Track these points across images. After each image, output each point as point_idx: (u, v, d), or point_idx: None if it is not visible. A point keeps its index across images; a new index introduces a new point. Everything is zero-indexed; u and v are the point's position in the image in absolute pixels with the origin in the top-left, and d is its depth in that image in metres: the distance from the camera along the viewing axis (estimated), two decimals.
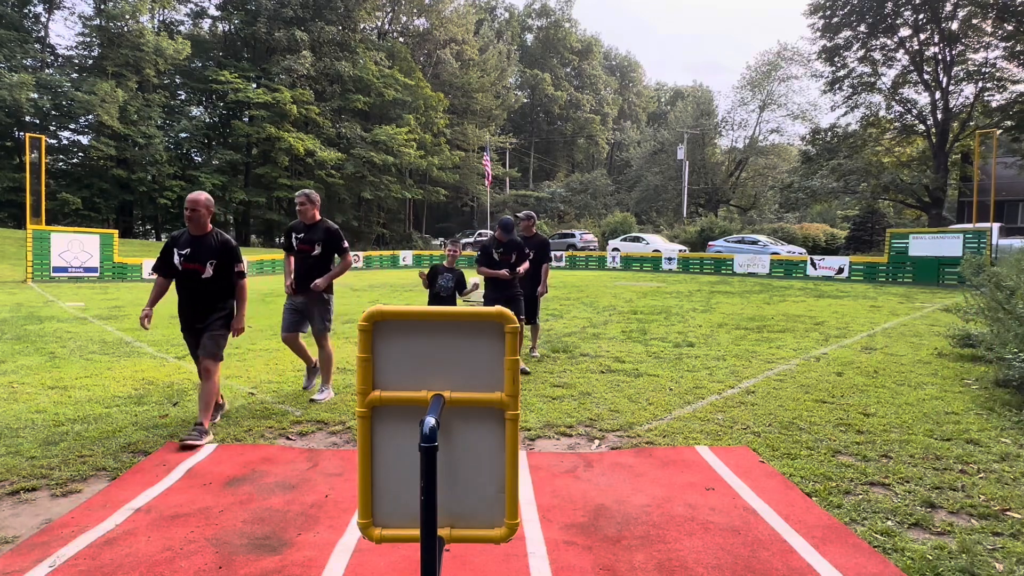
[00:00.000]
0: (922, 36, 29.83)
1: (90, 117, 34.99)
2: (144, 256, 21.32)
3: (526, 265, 6.18)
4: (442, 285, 5.94)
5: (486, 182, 41.00)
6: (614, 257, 27.07)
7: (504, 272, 5.99)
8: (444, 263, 6.07)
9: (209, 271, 4.11)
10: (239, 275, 4.24)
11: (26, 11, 36.86)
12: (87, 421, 4.37)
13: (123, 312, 10.68)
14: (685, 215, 41.37)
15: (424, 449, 1.60)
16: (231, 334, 4.25)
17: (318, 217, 5.11)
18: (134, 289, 15.77)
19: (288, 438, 4.16)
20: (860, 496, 3.21)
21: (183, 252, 4.11)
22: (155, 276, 4.29)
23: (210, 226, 4.21)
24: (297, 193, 5.14)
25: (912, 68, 30.53)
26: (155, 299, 4.18)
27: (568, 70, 65.28)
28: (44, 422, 4.33)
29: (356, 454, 1.89)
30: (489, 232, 39.30)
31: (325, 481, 3.39)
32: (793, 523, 2.90)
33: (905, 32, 30.39)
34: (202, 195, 4.17)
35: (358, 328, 1.82)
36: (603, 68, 69.11)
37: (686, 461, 3.71)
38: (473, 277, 6.24)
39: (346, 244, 5.17)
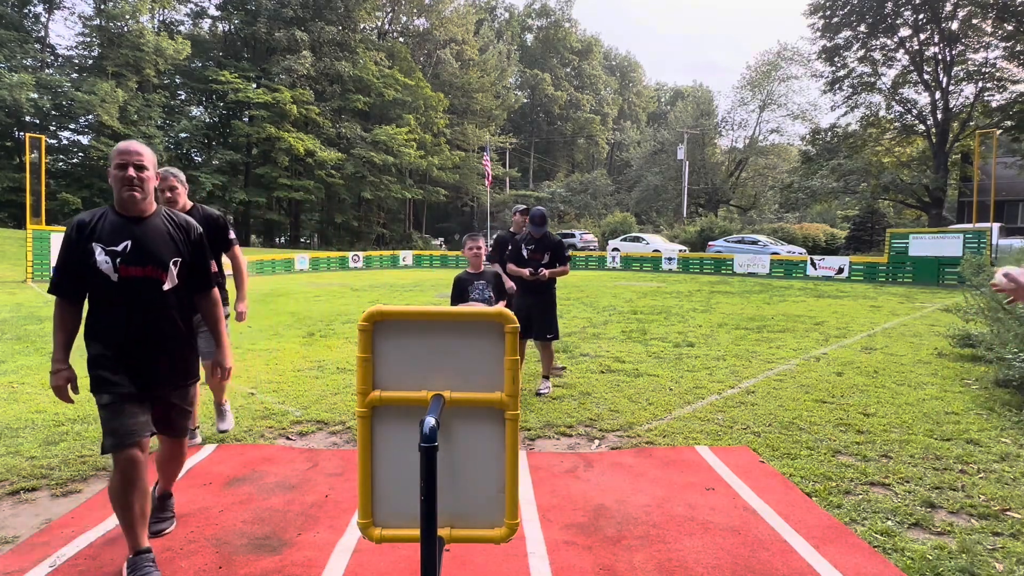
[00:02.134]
0: (922, 36, 29.87)
1: (90, 117, 35.04)
2: None
3: (563, 269, 5.35)
4: (477, 300, 4.25)
5: (486, 182, 41.00)
6: (614, 257, 27.07)
7: (527, 271, 5.19)
8: (468, 269, 4.46)
9: (172, 277, 2.44)
10: (215, 279, 2.68)
11: (26, 11, 36.91)
12: (87, 421, 4.37)
13: None
14: (685, 215, 41.38)
15: (424, 449, 1.60)
16: (207, 382, 2.54)
17: (189, 204, 3.60)
18: None
19: (288, 438, 4.16)
20: (860, 496, 3.21)
21: (116, 248, 2.34)
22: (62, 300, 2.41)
23: (155, 203, 2.51)
24: (160, 171, 3.18)
25: (912, 68, 30.57)
26: (68, 342, 2.43)
27: (568, 70, 65.31)
28: (44, 422, 4.33)
29: (356, 454, 1.89)
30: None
31: (325, 481, 3.39)
32: (793, 523, 2.90)
33: (905, 32, 30.45)
34: (144, 147, 2.45)
35: (358, 328, 1.82)
36: (603, 68, 69.16)
37: (686, 461, 3.71)
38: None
39: (233, 235, 3.65)
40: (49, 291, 2.42)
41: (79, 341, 2.42)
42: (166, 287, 2.42)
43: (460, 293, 4.36)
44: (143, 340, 2.40)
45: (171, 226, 2.50)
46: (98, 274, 2.33)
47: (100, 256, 2.33)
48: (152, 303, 2.40)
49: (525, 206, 5.89)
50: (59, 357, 2.41)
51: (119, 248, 2.35)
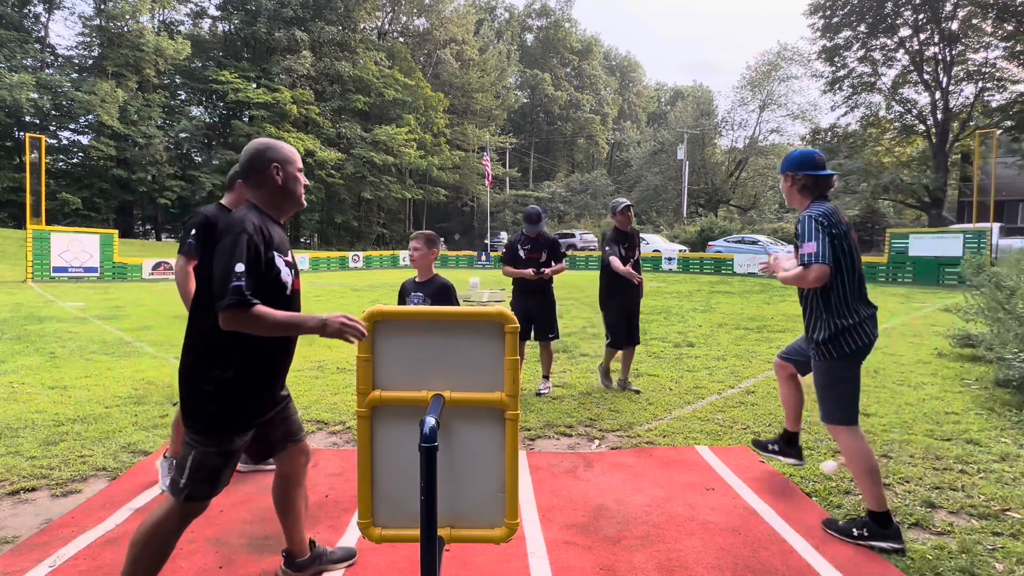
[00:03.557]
0: (922, 36, 29.86)
1: (90, 117, 35.02)
2: (144, 256, 21.32)
3: (562, 266, 5.35)
4: None
5: (486, 182, 40.95)
6: None
7: (529, 272, 5.16)
8: (416, 277, 3.92)
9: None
10: None
11: (26, 11, 36.88)
12: (87, 421, 4.36)
13: (123, 312, 10.68)
14: (685, 215, 41.38)
15: (424, 449, 1.60)
16: None
17: None
18: (134, 289, 15.77)
19: None
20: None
21: (288, 259, 2.06)
22: (253, 310, 1.85)
23: None
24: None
25: (912, 68, 30.55)
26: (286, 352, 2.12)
27: (568, 70, 65.27)
28: (44, 422, 4.33)
29: (356, 454, 1.89)
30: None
31: (325, 481, 3.39)
32: (793, 523, 2.90)
33: (905, 32, 30.43)
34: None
35: None
36: (603, 68, 69.11)
37: (686, 461, 3.71)
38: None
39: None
40: (242, 303, 1.81)
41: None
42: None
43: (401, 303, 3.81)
44: (290, 351, 2.12)
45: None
46: (279, 288, 1.98)
47: (284, 268, 1.99)
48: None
49: (627, 202, 5.52)
50: (310, 315, 1.97)
51: (289, 258, 2.04)
